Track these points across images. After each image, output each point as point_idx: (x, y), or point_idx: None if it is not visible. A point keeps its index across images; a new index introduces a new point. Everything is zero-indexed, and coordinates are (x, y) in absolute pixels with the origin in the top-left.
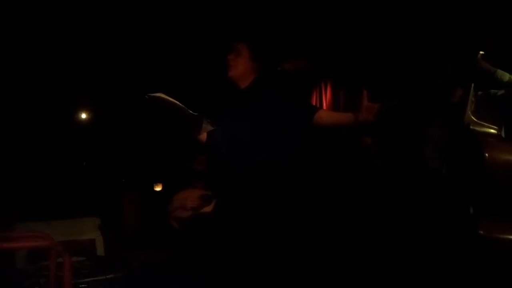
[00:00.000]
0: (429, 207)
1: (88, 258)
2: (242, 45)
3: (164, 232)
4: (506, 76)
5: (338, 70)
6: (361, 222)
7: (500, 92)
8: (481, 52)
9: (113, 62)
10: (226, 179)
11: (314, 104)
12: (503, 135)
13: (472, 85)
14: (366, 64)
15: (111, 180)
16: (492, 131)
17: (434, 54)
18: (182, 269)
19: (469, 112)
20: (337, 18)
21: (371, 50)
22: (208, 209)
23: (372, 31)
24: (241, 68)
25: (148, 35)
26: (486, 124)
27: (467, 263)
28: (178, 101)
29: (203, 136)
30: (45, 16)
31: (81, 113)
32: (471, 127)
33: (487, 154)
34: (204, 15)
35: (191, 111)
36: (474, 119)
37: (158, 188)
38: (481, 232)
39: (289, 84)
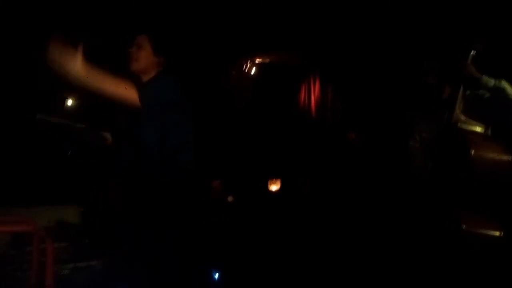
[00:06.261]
0: (413, 202)
1: (71, 244)
2: (144, 38)
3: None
4: (491, 82)
5: (326, 66)
6: (346, 219)
7: (487, 95)
8: (472, 53)
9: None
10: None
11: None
12: (489, 134)
13: (462, 85)
14: (355, 60)
15: (96, 168)
16: (479, 130)
17: (422, 51)
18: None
19: (458, 111)
20: (327, 14)
21: (360, 46)
22: None
23: (361, 27)
24: (143, 62)
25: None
26: (473, 123)
27: (450, 258)
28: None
29: (109, 141)
30: None
31: (67, 100)
32: (459, 125)
33: (473, 152)
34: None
35: (79, 125)
36: (463, 117)
37: None
38: (464, 226)
39: (278, 78)
